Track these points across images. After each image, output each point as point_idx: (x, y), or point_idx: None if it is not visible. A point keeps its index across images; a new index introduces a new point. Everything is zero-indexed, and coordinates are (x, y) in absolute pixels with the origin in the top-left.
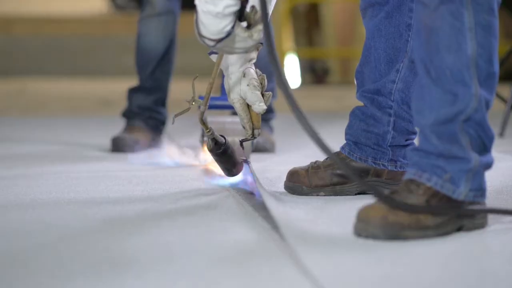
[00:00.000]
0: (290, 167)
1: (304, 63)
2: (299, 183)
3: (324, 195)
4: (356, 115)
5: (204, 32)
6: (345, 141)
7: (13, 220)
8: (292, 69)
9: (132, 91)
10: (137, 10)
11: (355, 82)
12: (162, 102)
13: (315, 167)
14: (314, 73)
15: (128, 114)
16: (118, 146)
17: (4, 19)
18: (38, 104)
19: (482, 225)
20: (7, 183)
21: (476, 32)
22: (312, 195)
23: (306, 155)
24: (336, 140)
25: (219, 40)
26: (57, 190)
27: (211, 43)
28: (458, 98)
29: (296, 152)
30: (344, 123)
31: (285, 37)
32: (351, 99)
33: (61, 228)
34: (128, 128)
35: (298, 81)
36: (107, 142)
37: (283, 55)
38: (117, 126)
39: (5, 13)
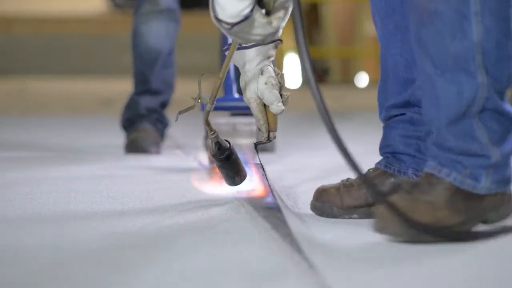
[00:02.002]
0: (291, 167)
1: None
2: (329, 202)
3: (358, 218)
4: (390, 126)
5: (221, 14)
6: (376, 157)
7: (12, 219)
8: (292, 68)
9: (138, 94)
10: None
11: (378, 101)
12: (166, 105)
13: (347, 185)
14: (314, 72)
15: (136, 119)
16: (137, 146)
17: (4, 18)
18: (38, 104)
19: (506, 215)
20: (7, 183)
21: (482, 15)
22: (343, 217)
23: (309, 155)
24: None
25: (236, 24)
26: (57, 190)
27: (228, 27)
28: (464, 89)
29: (297, 152)
30: (345, 123)
31: (286, 36)
32: (351, 99)
33: (60, 228)
34: (140, 129)
35: (298, 81)
36: (107, 142)
37: (283, 55)
38: (118, 125)
39: (5, 13)
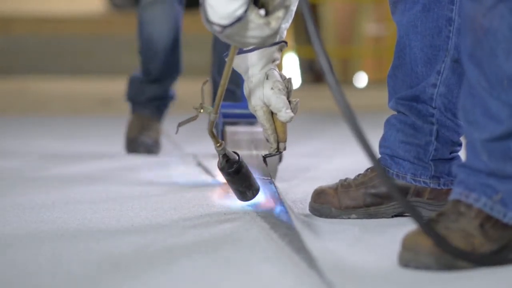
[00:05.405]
0: (290, 168)
1: (303, 62)
2: (327, 203)
3: (356, 218)
4: (392, 124)
5: (212, 16)
6: (379, 155)
7: (12, 220)
8: (292, 68)
9: (143, 82)
10: (134, 9)
11: (387, 88)
12: (173, 84)
13: (345, 185)
14: (313, 72)
15: (137, 102)
16: (136, 147)
17: (4, 18)
18: (38, 104)
19: None
20: (6, 184)
21: None
22: (342, 218)
23: (307, 155)
24: (335, 140)
25: (228, 26)
26: (56, 190)
27: (219, 29)
28: None
29: (296, 152)
30: (343, 123)
31: (285, 36)
32: (350, 99)
33: (60, 228)
34: (141, 117)
35: (298, 80)
36: (107, 142)
37: (282, 55)
38: (117, 125)
39: (5, 12)
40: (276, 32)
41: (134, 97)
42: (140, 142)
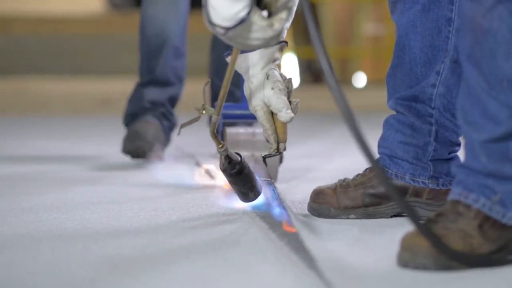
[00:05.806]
0: (288, 168)
1: (302, 63)
2: (326, 204)
3: (355, 218)
4: (391, 124)
5: (214, 18)
6: (378, 155)
7: (11, 220)
8: (290, 68)
9: (144, 85)
10: (133, 8)
11: (386, 88)
12: (175, 100)
13: (343, 185)
14: (311, 72)
15: (139, 111)
16: (137, 139)
17: (3, 18)
18: (38, 104)
19: None
20: (5, 184)
21: None
22: (341, 218)
23: (306, 155)
24: (334, 140)
25: (231, 28)
26: (55, 190)
27: (222, 31)
28: None
29: (294, 152)
30: (342, 124)
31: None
32: (349, 99)
33: (58, 229)
34: (142, 121)
35: (297, 80)
36: (106, 142)
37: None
38: (117, 125)
39: (4, 13)
40: (279, 33)
41: (134, 107)
42: (140, 135)
